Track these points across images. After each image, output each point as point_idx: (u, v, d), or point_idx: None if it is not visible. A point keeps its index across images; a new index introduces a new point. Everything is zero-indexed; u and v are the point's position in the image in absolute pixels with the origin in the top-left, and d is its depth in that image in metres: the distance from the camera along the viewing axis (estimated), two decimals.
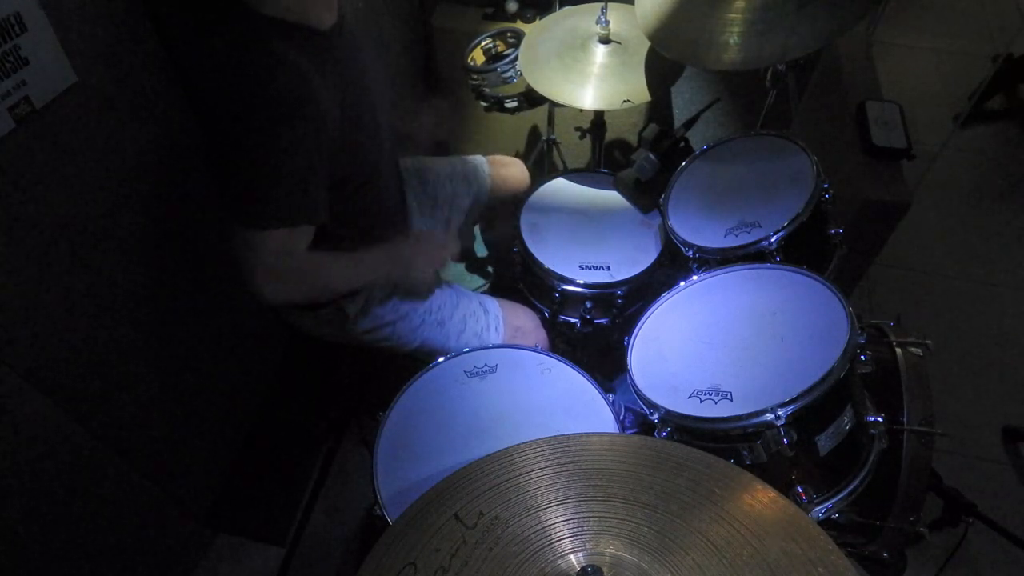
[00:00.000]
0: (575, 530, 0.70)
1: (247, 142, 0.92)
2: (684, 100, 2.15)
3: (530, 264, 1.42)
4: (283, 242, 0.99)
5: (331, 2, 1.02)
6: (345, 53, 1.05)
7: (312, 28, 0.99)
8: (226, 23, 0.95)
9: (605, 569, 0.66)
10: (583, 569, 0.66)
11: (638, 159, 1.48)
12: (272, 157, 0.93)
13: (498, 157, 1.65)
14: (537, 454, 0.78)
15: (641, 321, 1.20)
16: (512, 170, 1.65)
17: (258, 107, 0.91)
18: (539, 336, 1.40)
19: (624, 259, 1.41)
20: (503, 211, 1.67)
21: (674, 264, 1.41)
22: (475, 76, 1.65)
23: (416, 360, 1.30)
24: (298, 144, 0.94)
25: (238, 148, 0.93)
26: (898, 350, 1.19)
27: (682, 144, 1.50)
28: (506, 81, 1.64)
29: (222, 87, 0.93)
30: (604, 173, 1.60)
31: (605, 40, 1.52)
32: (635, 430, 1.22)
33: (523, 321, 1.39)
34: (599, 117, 1.75)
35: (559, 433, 0.81)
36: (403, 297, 1.30)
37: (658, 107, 2.17)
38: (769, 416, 0.91)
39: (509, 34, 1.71)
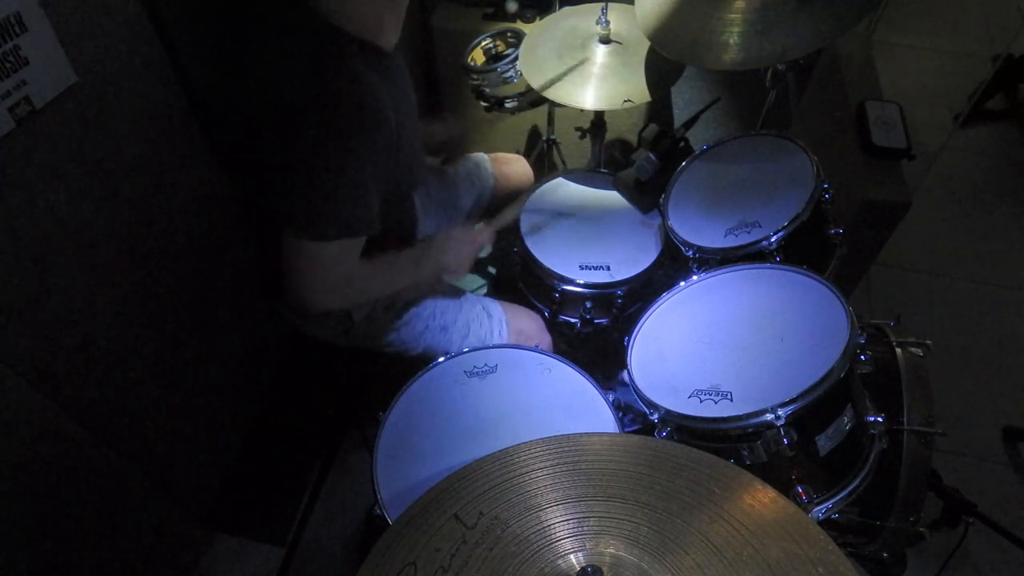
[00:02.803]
0: (575, 530, 0.70)
1: (319, 155, 0.92)
2: (684, 100, 2.15)
3: (530, 264, 1.42)
4: (342, 253, 1.00)
5: (399, 25, 1.04)
6: (398, 73, 1.07)
7: (380, 48, 1.00)
8: (305, 37, 0.95)
9: (605, 569, 0.66)
10: (583, 569, 0.66)
11: (638, 159, 1.48)
12: (345, 170, 0.93)
13: (500, 155, 1.65)
14: (537, 454, 0.78)
15: (641, 321, 1.20)
16: (515, 167, 1.64)
17: (335, 120, 0.91)
18: (543, 339, 1.40)
19: (624, 259, 1.41)
20: (504, 205, 1.66)
21: (674, 264, 1.41)
22: (475, 76, 1.65)
23: (416, 360, 1.30)
24: (370, 157, 0.95)
25: (306, 161, 0.93)
26: (898, 350, 1.19)
27: (682, 144, 1.50)
28: (506, 81, 1.63)
29: (296, 99, 0.92)
30: (604, 173, 1.60)
31: (605, 40, 1.52)
32: (635, 428, 1.22)
33: (527, 324, 1.39)
34: (599, 117, 1.75)
35: (559, 433, 0.81)
36: (421, 296, 1.30)
37: (658, 107, 2.17)
38: (769, 416, 0.91)
39: (509, 34, 1.70)
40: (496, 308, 1.38)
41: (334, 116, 0.91)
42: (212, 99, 1.27)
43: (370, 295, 1.18)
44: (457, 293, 1.38)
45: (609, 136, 1.84)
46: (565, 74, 1.46)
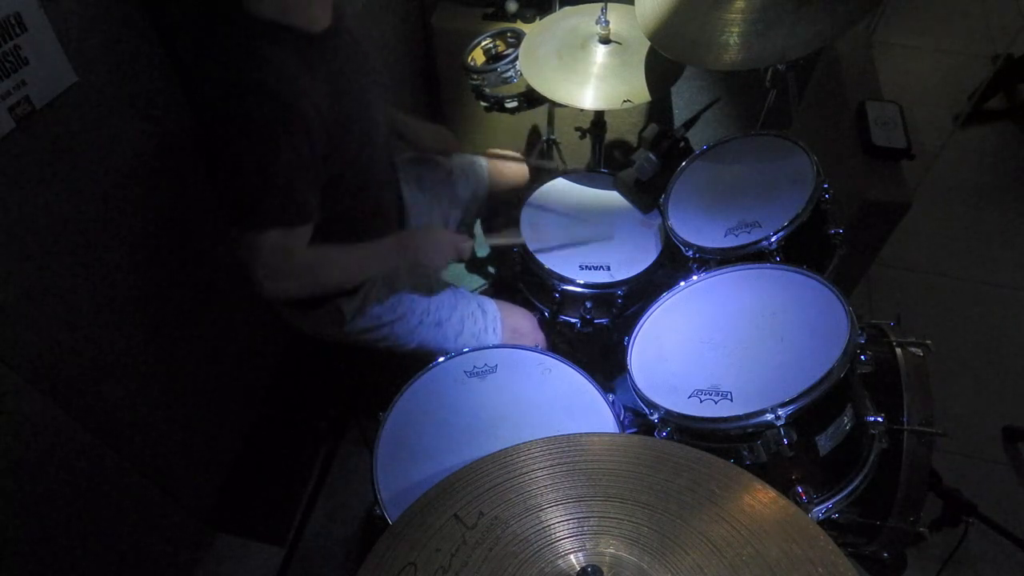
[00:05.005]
0: (575, 530, 0.70)
1: (238, 144, 0.93)
2: (684, 100, 2.14)
3: (530, 264, 1.42)
4: (280, 242, 1.00)
5: (326, 4, 1.02)
6: (338, 55, 1.05)
7: (303, 30, 0.99)
8: (221, 24, 0.96)
9: (605, 569, 0.66)
10: (583, 569, 0.66)
11: (638, 159, 1.48)
12: (261, 158, 0.93)
13: (496, 151, 1.65)
14: (537, 454, 0.78)
15: (641, 321, 1.20)
16: (511, 164, 1.64)
17: (246, 109, 0.92)
18: (537, 338, 1.40)
19: (624, 259, 1.41)
20: (503, 206, 1.67)
21: (674, 264, 1.41)
22: (475, 76, 1.65)
23: (416, 360, 1.30)
24: (286, 145, 0.94)
25: (230, 150, 0.94)
26: (898, 350, 1.19)
27: (682, 144, 1.50)
28: (506, 81, 1.63)
29: (214, 89, 0.95)
30: (604, 173, 1.60)
31: (605, 40, 1.52)
32: (635, 430, 1.21)
33: (521, 323, 1.39)
34: (599, 117, 1.75)
35: (559, 433, 0.81)
36: (406, 291, 1.30)
37: (658, 107, 2.17)
38: (769, 416, 0.91)
39: (509, 34, 1.70)
40: (491, 306, 1.38)
41: (241, 104, 0.92)
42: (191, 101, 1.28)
43: (334, 283, 1.16)
44: (452, 290, 1.38)
45: (609, 136, 1.84)
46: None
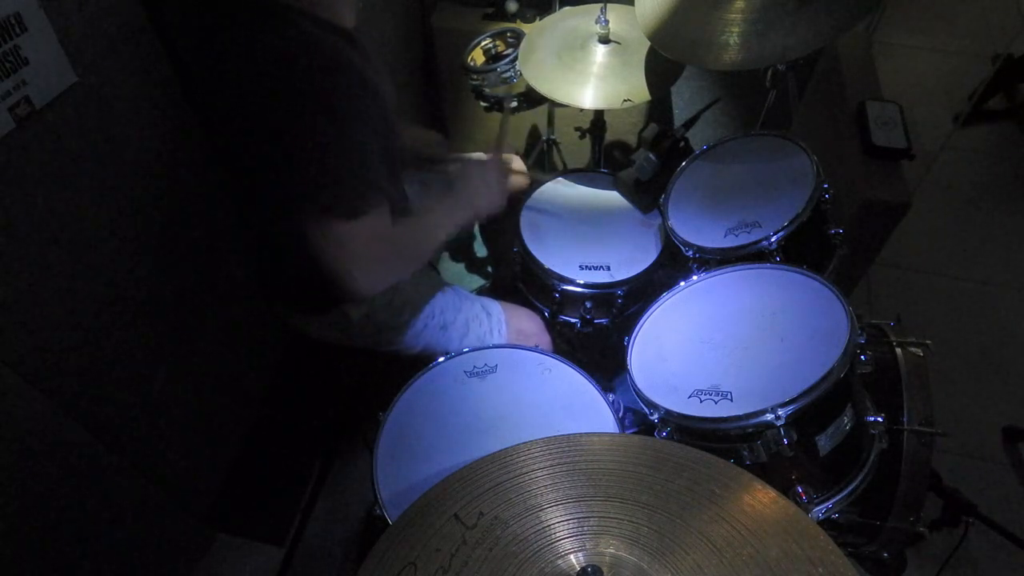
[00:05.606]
0: (575, 530, 0.70)
1: (317, 134, 0.89)
2: (684, 100, 2.15)
3: (530, 264, 1.42)
4: (375, 225, 0.97)
5: (354, 2, 1.02)
6: (363, 53, 1.05)
7: (337, 25, 0.99)
8: (261, 19, 0.91)
9: (605, 569, 0.66)
10: (583, 569, 0.66)
11: (638, 159, 1.48)
12: (340, 133, 0.90)
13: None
14: (537, 454, 0.78)
15: (641, 321, 1.20)
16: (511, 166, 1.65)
17: (310, 87, 0.88)
18: (542, 339, 1.40)
19: (624, 259, 1.41)
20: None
21: (674, 264, 1.41)
22: (475, 76, 1.66)
23: (416, 360, 1.30)
24: (373, 118, 0.93)
25: (308, 144, 0.89)
26: (898, 350, 1.19)
27: (682, 144, 1.50)
28: (506, 81, 1.64)
29: (267, 81, 0.88)
30: (604, 173, 1.60)
31: (605, 40, 1.52)
32: (635, 430, 1.22)
33: (526, 324, 1.39)
34: (599, 117, 1.75)
35: (559, 433, 0.81)
36: (411, 294, 1.30)
37: (658, 107, 2.17)
38: (769, 416, 0.91)
39: (509, 34, 1.71)
40: (495, 307, 1.37)
41: (307, 83, 0.88)
42: (203, 103, 1.26)
43: (424, 254, 1.14)
44: (456, 292, 1.38)
45: (609, 136, 1.85)
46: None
